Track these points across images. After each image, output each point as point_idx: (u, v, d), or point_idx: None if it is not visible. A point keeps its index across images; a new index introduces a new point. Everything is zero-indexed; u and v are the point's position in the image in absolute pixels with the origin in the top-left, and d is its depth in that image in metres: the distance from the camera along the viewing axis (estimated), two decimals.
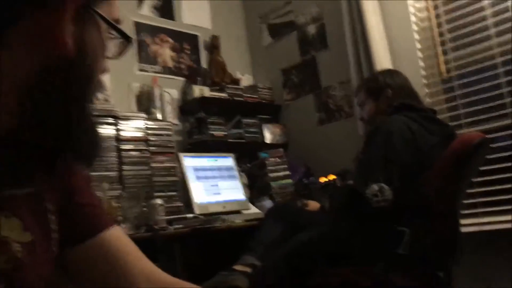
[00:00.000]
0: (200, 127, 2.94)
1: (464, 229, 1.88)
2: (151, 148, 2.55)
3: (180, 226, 2.26)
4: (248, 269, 1.94)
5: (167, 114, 2.89)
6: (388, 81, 2.03)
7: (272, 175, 2.94)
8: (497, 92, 2.38)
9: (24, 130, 0.53)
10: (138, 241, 0.72)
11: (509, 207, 2.23)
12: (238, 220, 2.44)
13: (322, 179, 2.57)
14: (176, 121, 2.96)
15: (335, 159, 2.79)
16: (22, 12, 0.49)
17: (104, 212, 0.72)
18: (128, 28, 2.84)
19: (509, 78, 2.33)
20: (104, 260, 0.67)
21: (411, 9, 2.67)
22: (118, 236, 0.70)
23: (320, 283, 1.67)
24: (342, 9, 2.77)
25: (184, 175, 2.55)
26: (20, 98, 0.51)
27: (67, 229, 0.63)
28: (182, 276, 0.72)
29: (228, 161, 2.86)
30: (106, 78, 2.50)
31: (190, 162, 2.63)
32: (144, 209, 2.24)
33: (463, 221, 1.91)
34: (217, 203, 2.60)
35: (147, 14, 3.07)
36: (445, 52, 2.60)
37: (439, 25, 2.61)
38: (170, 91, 2.98)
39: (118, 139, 2.42)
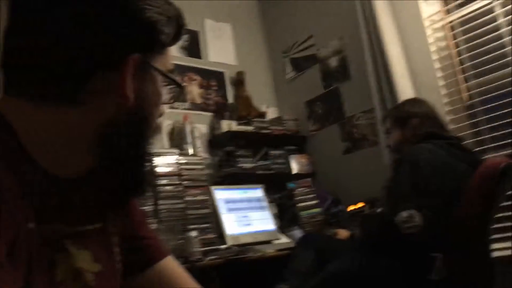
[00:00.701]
0: (229, 160, 3.02)
1: (494, 253, 1.88)
2: (184, 182, 2.61)
3: (215, 257, 2.30)
4: None
5: (197, 148, 2.96)
6: (413, 110, 2.05)
7: (300, 204, 2.96)
8: None
9: (97, 173, 0.61)
10: None
11: None
12: (269, 250, 2.46)
13: (350, 207, 2.59)
14: (205, 155, 3.03)
15: (361, 187, 2.81)
16: (93, 74, 0.56)
17: (160, 243, 0.79)
18: None
19: None
20: (161, 286, 0.74)
21: (431, 39, 2.73)
22: (173, 265, 0.77)
23: None
24: (363, 41, 2.81)
25: (216, 207, 2.62)
26: (91, 145, 0.58)
27: (129, 260, 0.70)
28: None
29: (258, 192, 2.92)
30: None
31: (221, 195, 2.70)
32: (180, 241, 2.31)
33: (493, 246, 1.91)
34: (249, 233, 2.66)
35: (175, 54, 3.19)
36: (466, 79, 2.64)
37: (459, 53, 2.66)
38: (199, 126, 3.07)
39: (153, 175, 2.51)
